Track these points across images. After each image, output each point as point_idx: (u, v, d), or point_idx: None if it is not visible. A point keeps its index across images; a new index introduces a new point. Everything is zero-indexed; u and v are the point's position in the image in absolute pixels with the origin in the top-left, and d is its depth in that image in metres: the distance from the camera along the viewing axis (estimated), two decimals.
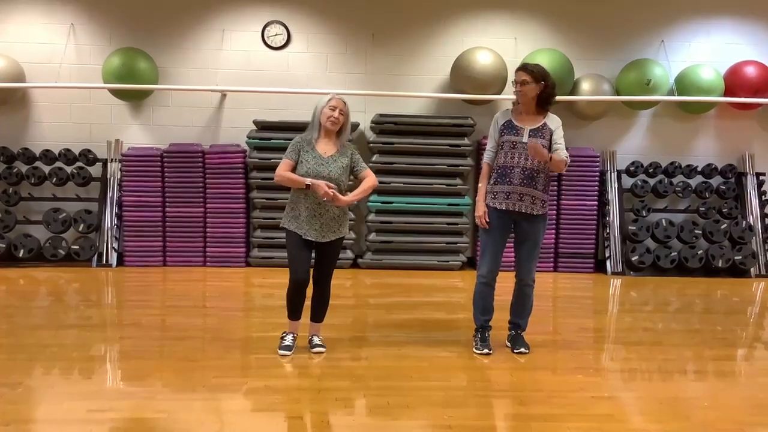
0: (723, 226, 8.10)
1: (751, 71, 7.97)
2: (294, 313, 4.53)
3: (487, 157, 4.64)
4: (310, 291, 4.52)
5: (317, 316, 4.62)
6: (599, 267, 8.19)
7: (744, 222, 8.16)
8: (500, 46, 8.07)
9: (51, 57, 7.93)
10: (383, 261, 7.88)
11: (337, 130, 4.45)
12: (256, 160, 7.76)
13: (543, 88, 4.49)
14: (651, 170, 8.30)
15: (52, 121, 8.07)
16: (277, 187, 7.72)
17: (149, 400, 3.69)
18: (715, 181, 8.44)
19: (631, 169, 8.31)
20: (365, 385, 3.99)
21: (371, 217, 7.87)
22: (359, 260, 7.91)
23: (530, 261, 4.60)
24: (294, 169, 4.39)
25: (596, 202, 8.14)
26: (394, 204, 7.87)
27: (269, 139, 7.76)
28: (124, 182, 7.86)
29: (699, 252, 7.99)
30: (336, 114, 4.36)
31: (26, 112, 8.07)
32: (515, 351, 4.61)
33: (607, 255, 8.14)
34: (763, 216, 8.32)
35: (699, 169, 8.39)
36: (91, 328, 5.20)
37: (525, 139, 4.45)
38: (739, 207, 8.32)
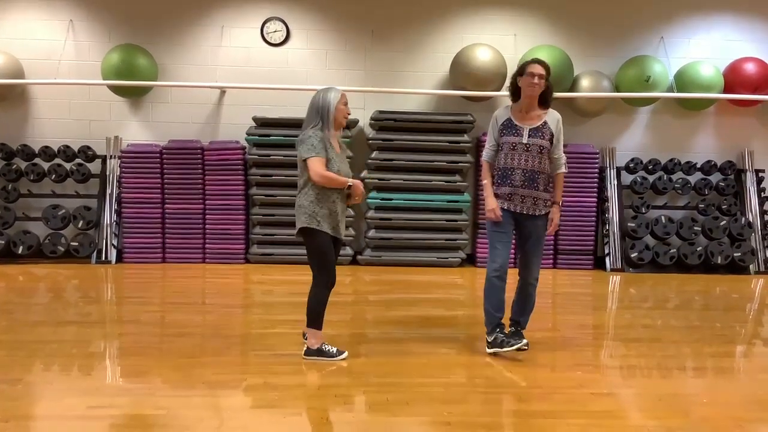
0: (722, 223, 8.10)
1: (750, 68, 7.97)
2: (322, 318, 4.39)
3: (486, 155, 4.61)
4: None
5: None
6: (598, 264, 8.20)
7: (743, 219, 8.16)
8: (500, 42, 8.07)
9: (50, 53, 7.93)
10: (382, 258, 7.88)
11: None
12: (256, 156, 7.75)
13: (549, 85, 4.49)
14: (650, 167, 8.30)
15: (52, 117, 8.07)
16: (276, 184, 7.76)
17: (148, 396, 3.69)
18: (715, 177, 8.45)
19: (631, 165, 8.31)
20: (365, 382, 3.99)
21: (370, 213, 7.87)
22: (358, 257, 7.91)
23: (535, 258, 4.58)
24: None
25: (595, 199, 8.14)
26: (393, 201, 7.87)
27: (268, 135, 7.75)
28: (123, 179, 7.86)
29: (698, 249, 7.99)
30: (348, 109, 4.34)
31: (25, 108, 8.06)
32: (513, 346, 4.55)
33: (606, 252, 8.14)
34: (763, 213, 8.33)
35: (698, 165, 8.39)
36: (90, 324, 5.20)
37: (525, 139, 4.44)
38: (738, 204, 8.33)
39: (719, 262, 7.98)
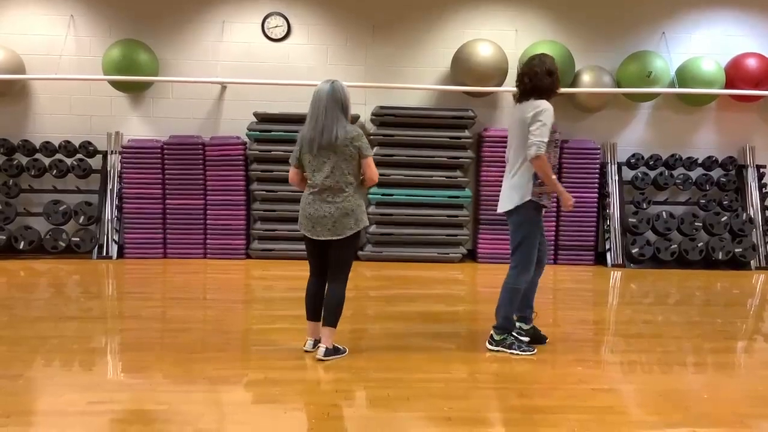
0: (723, 219, 8.10)
1: (752, 63, 7.95)
2: None
3: (546, 148, 4.25)
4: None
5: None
6: (599, 259, 8.20)
7: (744, 214, 8.16)
8: (501, 38, 8.06)
9: (51, 48, 7.92)
10: (383, 253, 7.88)
11: None
12: (257, 151, 7.75)
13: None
14: (651, 162, 8.30)
15: (52, 112, 8.06)
16: (277, 179, 7.75)
17: (149, 391, 3.69)
18: (716, 173, 8.44)
19: (632, 161, 8.30)
20: (365, 377, 3.99)
21: (371, 209, 7.86)
22: (359, 252, 7.91)
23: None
24: None
25: (596, 195, 8.13)
26: (394, 196, 7.87)
27: (269, 131, 7.75)
28: (124, 174, 7.86)
29: (699, 244, 7.99)
30: None
31: (26, 103, 8.06)
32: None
33: (607, 247, 8.14)
34: (764, 208, 8.32)
35: (699, 161, 8.38)
36: (91, 319, 5.21)
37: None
38: (739, 199, 8.32)
39: (720, 257, 7.97)
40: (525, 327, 4.64)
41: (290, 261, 7.69)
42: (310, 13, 8.17)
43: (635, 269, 7.95)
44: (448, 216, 7.91)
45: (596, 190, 8.12)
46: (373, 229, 7.87)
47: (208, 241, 7.89)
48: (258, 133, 7.77)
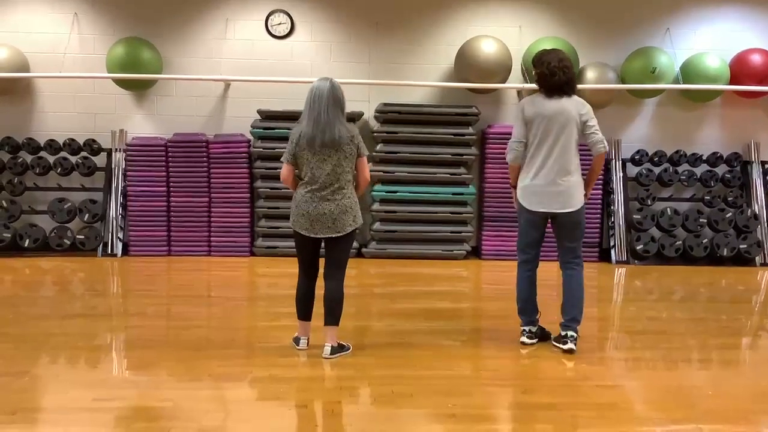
0: (728, 215, 8.07)
1: (756, 59, 7.92)
2: None
3: None
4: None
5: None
6: (604, 256, 8.18)
7: (749, 211, 8.13)
8: (505, 34, 8.03)
9: (55, 47, 7.93)
10: (387, 250, 7.88)
11: None
12: (260, 149, 7.75)
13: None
14: (656, 159, 8.27)
15: (57, 111, 8.07)
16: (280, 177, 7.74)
17: (154, 389, 3.71)
18: (721, 169, 8.41)
19: (636, 157, 8.28)
20: (369, 374, 4.00)
21: (375, 206, 7.87)
22: (363, 250, 7.91)
23: None
24: None
25: (601, 191, 8.12)
26: (398, 193, 7.86)
27: (273, 128, 7.75)
28: (128, 172, 7.87)
29: (704, 241, 7.97)
30: None
31: (30, 102, 8.08)
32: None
33: (611, 244, 8.12)
34: None
35: (704, 157, 8.35)
36: (96, 317, 5.22)
37: None
38: (744, 196, 8.29)
39: (725, 254, 7.95)
40: (533, 329, 4.63)
41: (294, 258, 7.65)
42: (314, 11, 8.17)
43: (640, 266, 7.93)
44: (451, 213, 7.91)
45: (600, 186, 8.10)
46: (377, 226, 7.86)
47: (212, 238, 7.90)
48: (262, 130, 7.78)
